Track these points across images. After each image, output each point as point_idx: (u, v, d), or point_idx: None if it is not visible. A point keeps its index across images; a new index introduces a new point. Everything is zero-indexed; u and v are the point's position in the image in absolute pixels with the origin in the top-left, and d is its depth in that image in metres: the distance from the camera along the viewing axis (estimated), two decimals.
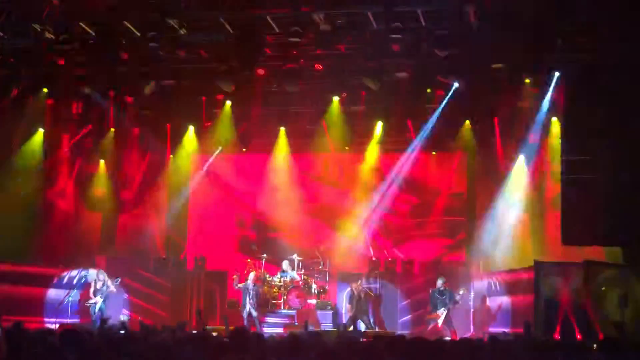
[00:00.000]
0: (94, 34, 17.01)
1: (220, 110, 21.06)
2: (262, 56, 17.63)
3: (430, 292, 18.85)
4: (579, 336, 14.67)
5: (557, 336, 14.84)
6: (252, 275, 19.55)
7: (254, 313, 19.24)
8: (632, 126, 15.65)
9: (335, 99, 20.16)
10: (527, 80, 18.13)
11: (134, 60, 17.90)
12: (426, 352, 6.93)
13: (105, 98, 19.95)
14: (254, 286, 19.38)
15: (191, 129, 22.03)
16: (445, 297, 18.35)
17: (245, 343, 7.41)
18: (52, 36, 17.12)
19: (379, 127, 21.22)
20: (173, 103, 20.29)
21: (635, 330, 14.72)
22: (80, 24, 16.90)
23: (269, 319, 20.00)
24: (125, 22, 16.84)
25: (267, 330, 18.00)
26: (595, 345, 8.41)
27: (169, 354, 7.01)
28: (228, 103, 20.73)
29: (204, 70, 18.94)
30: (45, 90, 19.56)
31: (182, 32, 16.45)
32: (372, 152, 21.72)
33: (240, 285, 19.56)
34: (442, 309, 18.26)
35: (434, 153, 21.63)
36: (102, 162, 22.17)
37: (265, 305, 20.15)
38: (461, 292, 18.52)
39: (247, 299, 19.28)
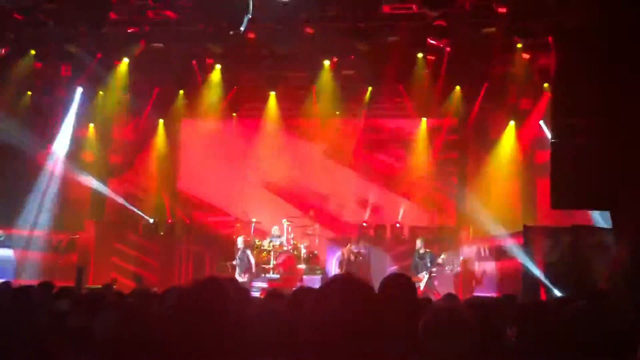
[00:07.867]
0: None
1: (209, 75, 20.94)
2: (249, 17, 17.38)
3: (413, 255, 18.71)
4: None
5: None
6: (240, 240, 19.20)
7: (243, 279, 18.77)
8: (622, 90, 15.51)
9: (326, 63, 20.03)
10: (519, 45, 18.00)
11: (122, 20, 17.73)
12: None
13: (93, 60, 19.74)
14: (244, 250, 19.01)
15: (181, 93, 21.88)
16: (427, 260, 17.96)
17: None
18: None
19: (369, 92, 21.12)
20: (162, 66, 20.12)
21: (622, 294, 14.71)
22: None
23: (255, 284, 19.87)
24: None
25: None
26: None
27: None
28: (218, 67, 20.61)
29: (193, 32, 18.73)
30: (32, 52, 19.39)
31: None
32: (363, 117, 21.63)
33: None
34: (423, 273, 17.91)
35: (424, 119, 21.55)
36: (91, 125, 22.03)
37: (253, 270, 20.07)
38: (443, 256, 18.25)
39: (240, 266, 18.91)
